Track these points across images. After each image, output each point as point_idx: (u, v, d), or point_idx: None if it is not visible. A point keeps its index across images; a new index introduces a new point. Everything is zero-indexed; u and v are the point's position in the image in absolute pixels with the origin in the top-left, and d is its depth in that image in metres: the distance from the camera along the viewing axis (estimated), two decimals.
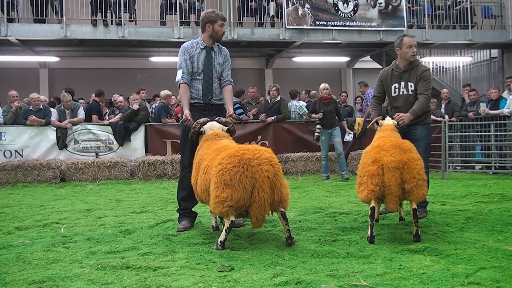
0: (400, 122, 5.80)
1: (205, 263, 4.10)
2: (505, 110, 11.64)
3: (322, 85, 11.64)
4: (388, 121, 5.84)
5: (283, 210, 4.65)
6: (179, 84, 5.79)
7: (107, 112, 13.12)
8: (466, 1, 16.95)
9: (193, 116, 5.53)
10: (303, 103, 13.53)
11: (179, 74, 5.81)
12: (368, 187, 4.79)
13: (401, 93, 6.11)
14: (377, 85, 6.50)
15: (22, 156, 11.70)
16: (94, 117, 12.53)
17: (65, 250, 4.69)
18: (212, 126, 5.35)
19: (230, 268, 3.92)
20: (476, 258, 4.01)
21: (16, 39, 14.78)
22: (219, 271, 3.87)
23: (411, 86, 6.05)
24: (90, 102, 13.31)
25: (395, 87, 6.16)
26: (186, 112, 5.55)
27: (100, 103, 13.26)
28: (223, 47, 6.09)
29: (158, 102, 13.29)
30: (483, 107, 12.08)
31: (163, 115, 12.54)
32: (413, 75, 6.04)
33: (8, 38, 14.46)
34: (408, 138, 5.78)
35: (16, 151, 11.73)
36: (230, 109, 5.82)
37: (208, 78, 5.82)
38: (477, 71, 20.54)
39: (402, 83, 6.09)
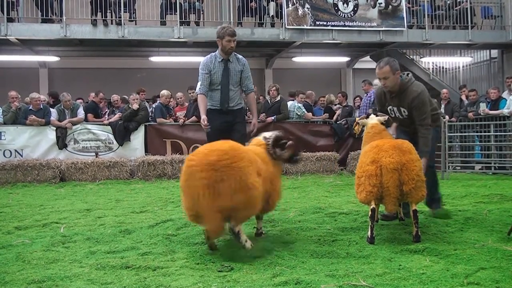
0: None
1: (204, 263, 4.10)
2: (505, 111, 11.66)
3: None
4: (372, 119, 5.66)
5: (233, 224, 4.28)
6: (198, 94, 6.54)
7: (107, 112, 13.11)
8: (466, 1, 16.97)
9: (212, 119, 6.28)
10: (300, 104, 13.53)
11: (198, 86, 6.49)
12: (366, 188, 4.76)
13: (396, 115, 5.87)
14: (376, 102, 6.29)
15: (21, 156, 11.70)
16: (90, 116, 12.51)
17: (65, 250, 4.69)
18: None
19: (230, 268, 3.93)
20: (475, 259, 4.02)
21: (16, 39, 14.80)
22: (219, 271, 3.88)
23: (404, 112, 5.74)
24: (88, 102, 13.30)
25: (390, 109, 5.91)
26: (204, 117, 6.21)
27: (98, 103, 13.25)
28: (240, 57, 6.66)
29: (157, 102, 13.30)
30: (483, 107, 12.09)
31: (159, 115, 12.54)
32: (404, 101, 5.69)
33: (8, 37, 14.48)
34: (416, 139, 5.74)
35: (16, 150, 11.73)
36: (253, 120, 6.78)
37: (225, 89, 6.43)
38: (477, 71, 20.55)
39: (395, 108, 5.82)
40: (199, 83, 6.48)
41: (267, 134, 5.19)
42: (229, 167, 4.10)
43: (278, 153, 5.01)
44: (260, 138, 5.19)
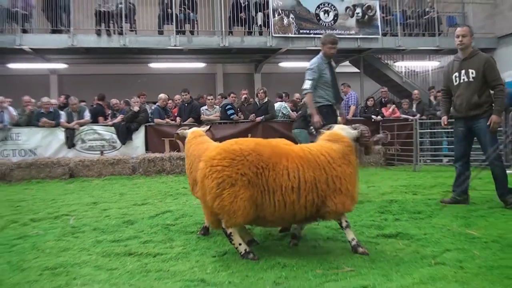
0: (493, 126, 5.65)
1: (200, 250, 4.12)
2: None
3: None
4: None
5: (223, 226, 3.80)
6: (307, 93, 6.69)
7: (109, 114, 13.09)
8: (434, 11, 17.07)
9: (327, 114, 6.59)
10: (286, 104, 13.54)
11: (308, 84, 6.67)
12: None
13: (461, 80, 5.91)
14: (443, 78, 6.39)
15: (35, 155, 11.67)
16: (101, 118, 12.54)
17: (74, 240, 4.70)
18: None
19: (223, 254, 3.95)
20: (442, 242, 4.07)
21: (29, 48, 14.74)
22: (213, 257, 3.90)
23: (472, 73, 5.83)
24: (95, 106, 13.27)
25: (455, 76, 5.99)
26: (318, 118, 6.48)
27: (104, 106, 13.25)
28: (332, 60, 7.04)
29: (155, 105, 13.28)
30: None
31: (157, 116, 12.55)
32: (474, 63, 5.86)
33: (22, 47, 14.41)
34: (472, 132, 5.83)
35: (30, 150, 11.70)
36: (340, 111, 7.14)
37: (336, 86, 6.85)
38: None
39: (463, 71, 5.90)
40: (309, 82, 6.66)
41: (353, 131, 4.27)
42: (215, 167, 3.67)
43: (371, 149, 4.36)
44: (339, 133, 4.23)
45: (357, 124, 4.35)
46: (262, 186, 3.69)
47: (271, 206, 3.72)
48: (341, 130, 4.26)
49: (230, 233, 3.79)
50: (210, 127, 5.38)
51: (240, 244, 3.80)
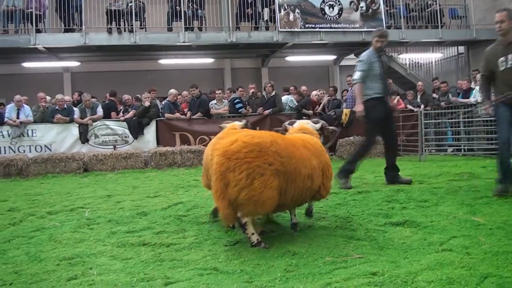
0: None
1: (212, 239, 4.13)
2: (471, 99, 11.67)
3: None
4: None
5: (238, 215, 3.74)
6: (356, 83, 6.82)
7: (121, 109, 13.12)
8: (436, 3, 16.94)
9: (378, 107, 6.72)
10: (293, 97, 13.51)
11: (357, 75, 6.79)
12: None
13: (509, 65, 5.56)
14: (484, 64, 6.04)
15: (50, 150, 11.74)
16: (113, 114, 12.58)
17: (90, 231, 4.72)
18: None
19: (235, 243, 3.95)
20: (448, 229, 4.04)
21: (43, 47, 14.78)
22: (225, 246, 3.90)
23: None
24: (107, 102, 13.30)
25: (502, 61, 5.62)
26: (361, 108, 6.65)
27: (116, 102, 13.28)
28: (384, 53, 7.17)
29: (165, 100, 13.29)
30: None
31: (167, 111, 12.56)
32: None
33: (36, 46, 14.46)
34: None
35: (45, 145, 11.79)
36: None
37: (385, 79, 6.89)
38: (447, 65, 20.51)
39: (510, 56, 5.54)
40: (359, 73, 6.78)
41: (316, 124, 4.68)
42: (242, 160, 3.59)
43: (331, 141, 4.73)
44: (307, 126, 4.59)
45: (316, 119, 4.89)
46: (286, 174, 3.73)
47: (291, 193, 3.81)
48: (307, 124, 4.66)
49: (246, 222, 3.75)
50: (247, 122, 5.21)
51: (253, 234, 3.79)
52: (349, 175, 6.96)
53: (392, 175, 7.07)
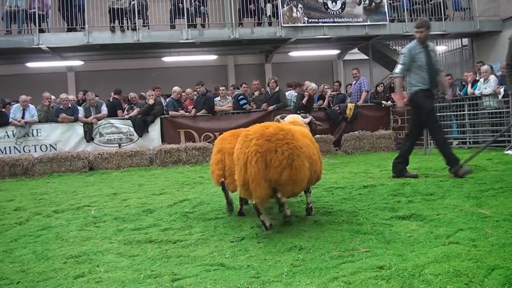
0: None
1: (218, 236, 4.13)
2: (476, 92, 11.61)
3: None
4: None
5: (278, 195, 3.93)
6: (396, 76, 6.91)
7: (125, 107, 13.13)
8: None
9: (423, 98, 6.66)
10: (293, 92, 13.49)
11: (398, 68, 6.84)
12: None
13: None
14: (508, 53, 6.03)
15: (56, 149, 11.76)
16: (119, 112, 12.59)
17: (96, 229, 4.73)
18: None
19: (241, 239, 3.96)
20: (455, 221, 4.03)
21: (47, 47, 14.81)
22: (231, 242, 3.91)
23: None
24: (111, 100, 13.31)
25: None
26: (401, 102, 6.84)
27: (120, 100, 13.29)
28: (430, 44, 6.95)
29: (169, 97, 13.29)
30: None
31: (171, 108, 12.56)
32: None
33: (40, 46, 14.49)
34: None
35: (50, 145, 11.80)
36: (447, 92, 7.44)
37: (432, 70, 6.71)
38: (451, 58, 20.43)
39: None
40: (399, 67, 6.81)
41: (305, 119, 5.21)
42: (283, 140, 3.84)
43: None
44: (298, 120, 5.05)
45: (304, 114, 5.45)
46: (309, 158, 4.10)
47: (311, 175, 4.21)
48: (297, 118, 5.08)
49: (284, 203, 4.03)
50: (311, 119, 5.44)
51: (287, 208, 4.13)
52: (459, 162, 6.71)
53: (400, 168, 7.02)
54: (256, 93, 13.25)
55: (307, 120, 5.16)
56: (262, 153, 3.78)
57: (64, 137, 11.90)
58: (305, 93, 11.86)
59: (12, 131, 11.58)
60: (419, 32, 6.74)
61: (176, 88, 12.95)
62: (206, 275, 3.10)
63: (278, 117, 5.28)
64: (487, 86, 11.37)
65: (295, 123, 4.83)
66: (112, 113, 12.41)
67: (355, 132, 12.75)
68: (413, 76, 6.76)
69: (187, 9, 15.30)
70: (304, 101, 11.79)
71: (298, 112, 6.64)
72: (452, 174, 6.63)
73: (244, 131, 4.11)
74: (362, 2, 15.92)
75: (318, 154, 4.51)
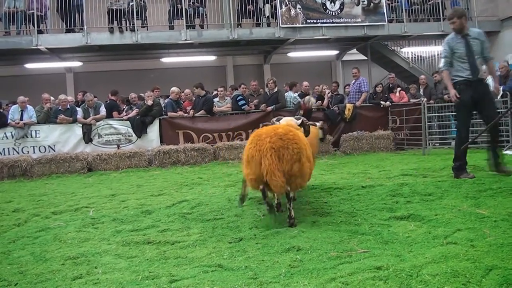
0: None
1: (216, 237, 4.14)
2: None
3: None
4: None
5: (288, 189, 4.44)
6: (442, 71, 6.93)
7: (124, 108, 13.12)
8: None
9: (462, 90, 6.57)
10: (296, 94, 13.48)
11: (441, 63, 6.87)
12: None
13: None
14: None
15: (54, 151, 11.74)
16: (115, 113, 12.57)
17: (94, 230, 4.74)
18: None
19: (239, 240, 3.96)
20: (453, 222, 4.04)
21: (45, 48, 14.80)
22: (229, 243, 3.91)
23: None
24: (108, 101, 13.30)
25: None
26: (453, 92, 6.58)
27: (117, 101, 13.26)
28: (474, 30, 6.86)
29: (167, 98, 13.26)
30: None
31: (170, 109, 12.54)
32: None
33: (38, 47, 14.48)
34: None
35: (49, 146, 11.78)
36: (495, 84, 7.21)
37: (472, 59, 6.55)
38: None
39: None
40: (442, 61, 6.83)
41: (297, 120, 5.55)
42: (292, 140, 4.37)
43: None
44: (292, 122, 5.43)
45: (297, 116, 5.97)
46: (308, 157, 4.62)
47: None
48: (291, 120, 5.52)
49: (292, 197, 4.58)
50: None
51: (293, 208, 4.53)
52: (464, 168, 6.83)
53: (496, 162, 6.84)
54: (255, 101, 13.15)
55: (299, 122, 5.52)
56: (276, 149, 4.29)
57: (63, 138, 11.89)
58: (302, 105, 11.86)
59: (11, 132, 11.57)
60: (452, 24, 6.74)
61: (174, 89, 12.95)
62: (204, 276, 3.10)
63: (274, 119, 5.71)
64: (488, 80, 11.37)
65: (290, 125, 5.16)
66: (108, 115, 12.38)
67: (354, 133, 12.74)
68: (455, 68, 6.74)
69: (186, 10, 15.31)
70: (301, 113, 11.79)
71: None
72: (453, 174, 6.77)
73: (255, 132, 4.66)
74: (361, 3, 15.94)
75: (312, 155, 4.93)
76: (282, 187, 4.27)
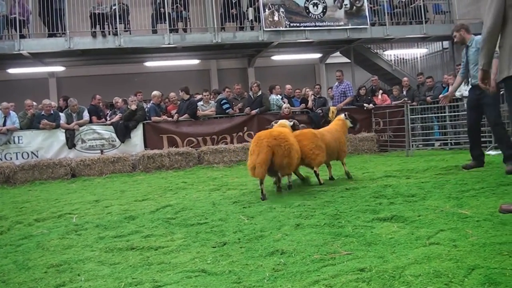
0: None
1: (200, 241, 4.11)
2: (457, 93, 11.73)
3: None
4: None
5: (279, 174, 6.35)
6: (459, 77, 7.58)
7: (108, 113, 13.03)
8: None
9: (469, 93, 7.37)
10: (279, 96, 13.52)
11: (460, 71, 7.51)
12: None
13: None
14: None
15: (37, 157, 11.64)
16: (94, 118, 12.45)
17: (77, 237, 4.68)
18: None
19: (223, 244, 3.94)
20: (436, 222, 4.06)
21: (28, 53, 14.68)
22: (213, 247, 3.89)
23: None
24: (88, 107, 13.18)
25: None
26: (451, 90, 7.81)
27: (97, 106, 13.11)
28: (474, 38, 7.04)
29: (150, 103, 13.19)
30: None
31: (153, 114, 12.49)
32: None
33: (21, 52, 14.38)
34: None
35: (32, 152, 11.68)
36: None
37: (467, 68, 7.14)
38: (432, 60, 20.69)
39: None
40: (461, 69, 7.46)
41: (290, 122, 7.16)
42: (283, 139, 5.97)
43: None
44: (285, 123, 7.04)
45: (291, 118, 8.28)
46: (298, 151, 6.39)
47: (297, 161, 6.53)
48: (284, 122, 7.01)
49: (281, 178, 6.53)
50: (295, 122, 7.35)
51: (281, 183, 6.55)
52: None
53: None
54: (240, 105, 13.12)
55: (291, 123, 7.04)
56: (271, 147, 5.81)
57: (46, 144, 11.79)
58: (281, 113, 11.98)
59: None
60: (455, 37, 7.22)
61: (155, 93, 12.89)
62: (187, 281, 3.08)
63: (273, 122, 7.19)
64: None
65: (284, 126, 6.79)
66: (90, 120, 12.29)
67: None
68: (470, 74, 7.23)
69: (169, 13, 15.29)
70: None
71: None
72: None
73: (257, 134, 6.25)
74: (344, 6, 16.05)
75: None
76: (260, 175, 5.83)
